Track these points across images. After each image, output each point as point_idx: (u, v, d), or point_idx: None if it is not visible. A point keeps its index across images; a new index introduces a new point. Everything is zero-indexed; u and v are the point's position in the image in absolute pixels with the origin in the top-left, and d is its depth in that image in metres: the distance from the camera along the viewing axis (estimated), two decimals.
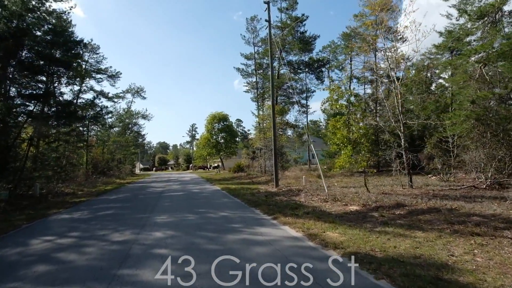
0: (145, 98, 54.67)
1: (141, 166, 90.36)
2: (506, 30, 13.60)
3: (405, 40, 21.46)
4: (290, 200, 11.96)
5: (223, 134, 53.39)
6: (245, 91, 37.25)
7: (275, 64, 26.24)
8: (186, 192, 16.83)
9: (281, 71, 30.99)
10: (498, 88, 13.88)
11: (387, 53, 28.52)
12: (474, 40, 15.44)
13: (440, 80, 35.10)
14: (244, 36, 35.59)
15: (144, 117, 56.98)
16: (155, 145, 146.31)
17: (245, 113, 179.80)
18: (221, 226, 7.47)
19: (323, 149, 42.09)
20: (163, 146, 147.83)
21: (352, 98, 12.72)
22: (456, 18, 15.80)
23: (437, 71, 33.79)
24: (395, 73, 14.20)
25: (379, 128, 13.95)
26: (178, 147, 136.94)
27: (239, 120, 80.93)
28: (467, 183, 13.62)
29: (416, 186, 13.80)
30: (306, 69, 33.72)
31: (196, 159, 61.49)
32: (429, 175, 18.30)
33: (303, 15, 30.56)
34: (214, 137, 52.90)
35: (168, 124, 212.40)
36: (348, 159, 12.11)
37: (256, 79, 35.30)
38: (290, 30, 29.35)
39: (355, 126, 12.19)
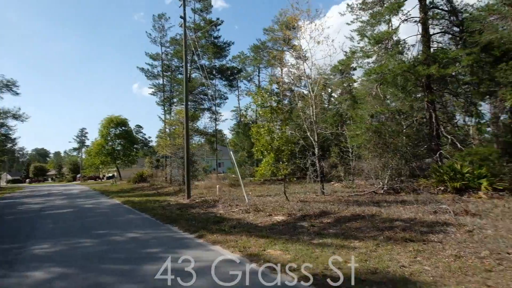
0: (17, 94, 44.42)
1: (9, 177, 73.71)
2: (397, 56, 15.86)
3: (307, 58, 22.88)
4: (208, 213, 10.82)
5: (121, 140, 47.94)
6: (151, 94, 34.11)
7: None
8: (76, 209, 13.72)
9: (193, 75, 29.62)
10: (391, 104, 15.98)
11: (294, 68, 30.22)
12: (372, 62, 17.62)
13: (332, 99, 39.84)
14: (150, 34, 32.79)
15: (16, 117, 46.22)
16: (30, 151, 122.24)
17: (145, 119, 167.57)
18: (134, 253, 5.84)
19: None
20: (42, 154, 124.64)
21: (275, 104, 12.43)
22: (357, 41, 17.72)
23: (329, 89, 38.14)
24: (311, 85, 14.79)
25: (294, 137, 14.15)
26: (62, 154, 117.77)
27: (139, 126, 74.70)
28: (368, 189, 15.02)
29: (327, 193, 14.48)
30: (219, 75, 33.19)
31: (85, 168, 53.32)
32: (332, 182, 19.78)
33: (217, 19, 30.08)
34: (110, 143, 47.02)
35: (49, 128, 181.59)
36: (269, 167, 11.75)
37: (163, 81, 32.79)
38: (204, 33, 28.33)
39: (277, 134, 11.99)
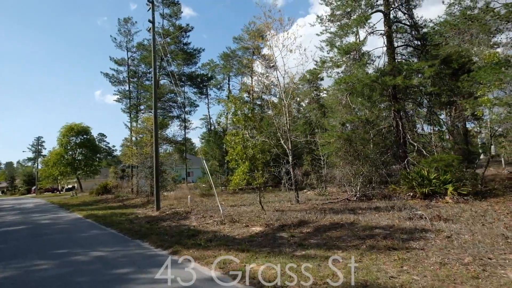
0: None
1: None
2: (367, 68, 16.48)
3: (276, 68, 22.87)
4: (181, 226, 10.24)
5: (82, 149, 45.24)
6: (116, 100, 32.43)
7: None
8: (31, 225, 12.40)
9: (161, 82, 28.63)
10: (359, 113, 16.42)
11: (264, 77, 30.35)
12: (341, 72, 18.11)
13: (301, 108, 40.60)
14: (115, 38, 31.35)
15: None
16: None
17: (108, 128, 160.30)
18: (100, 274, 5.22)
19: (201, 166, 41.16)
20: None
21: (248, 111, 12.18)
22: (327, 51, 18.15)
23: (298, 98, 38.86)
24: (284, 93, 14.78)
25: (269, 145, 13.98)
26: (15, 165, 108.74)
27: (102, 135, 71.37)
28: (341, 196, 15.19)
29: (301, 201, 14.39)
30: (189, 82, 32.44)
31: (42, 180, 49.40)
32: (305, 190, 19.84)
33: (187, 25, 29.53)
34: (70, 152, 44.19)
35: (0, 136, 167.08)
36: (244, 176, 11.42)
37: (129, 87, 31.41)
38: (173, 38, 27.60)
39: (251, 142, 11.71)
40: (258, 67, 33.60)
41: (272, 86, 32.85)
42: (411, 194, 13.20)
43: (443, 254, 5.23)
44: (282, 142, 14.27)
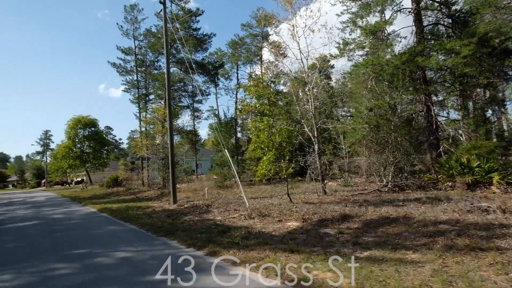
0: None
1: None
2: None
3: (286, 55, 21.48)
4: (205, 220, 9.38)
5: (90, 142, 44.61)
6: (124, 90, 31.50)
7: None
8: (44, 220, 11.66)
9: (171, 70, 27.63)
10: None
11: (273, 64, 29.15)
12: (364, 55, 16.93)
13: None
14: (121, 26, 30.28)
15: None
16: None
17: (113, 121, 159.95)
18: (132, 283, 4.34)
19: (211, 158, 40.41)
20: (1, 159, 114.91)
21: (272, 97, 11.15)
22: (349, 33, 16.93)
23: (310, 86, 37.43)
24: (308, 77, 13.69)
25: (294, 131, 12.96)
26: (24, 159, 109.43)
27: (108, 128, 70.79)
28: (369, 187, 14.21)
29: (328, 193, 13.43)
30: (199, 70, 31.31)
31: (51, 173, 49.12)
32: (326, 181, 18.81)
33: (198, 9, 28.25)
34: (78, 145, 43.61)
35: (9, 131, 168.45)
36: (271, 165, 10.47)
37: (137, 77, 30.43)
38: (183, 23, 26.45)
39: (277, 129, 10.71)
40: (268, 55, 32.31)
41: (281, 75, 31.52)
42: (450, 184, 12.16)
43: None
44: (307, 129, 13.24)
